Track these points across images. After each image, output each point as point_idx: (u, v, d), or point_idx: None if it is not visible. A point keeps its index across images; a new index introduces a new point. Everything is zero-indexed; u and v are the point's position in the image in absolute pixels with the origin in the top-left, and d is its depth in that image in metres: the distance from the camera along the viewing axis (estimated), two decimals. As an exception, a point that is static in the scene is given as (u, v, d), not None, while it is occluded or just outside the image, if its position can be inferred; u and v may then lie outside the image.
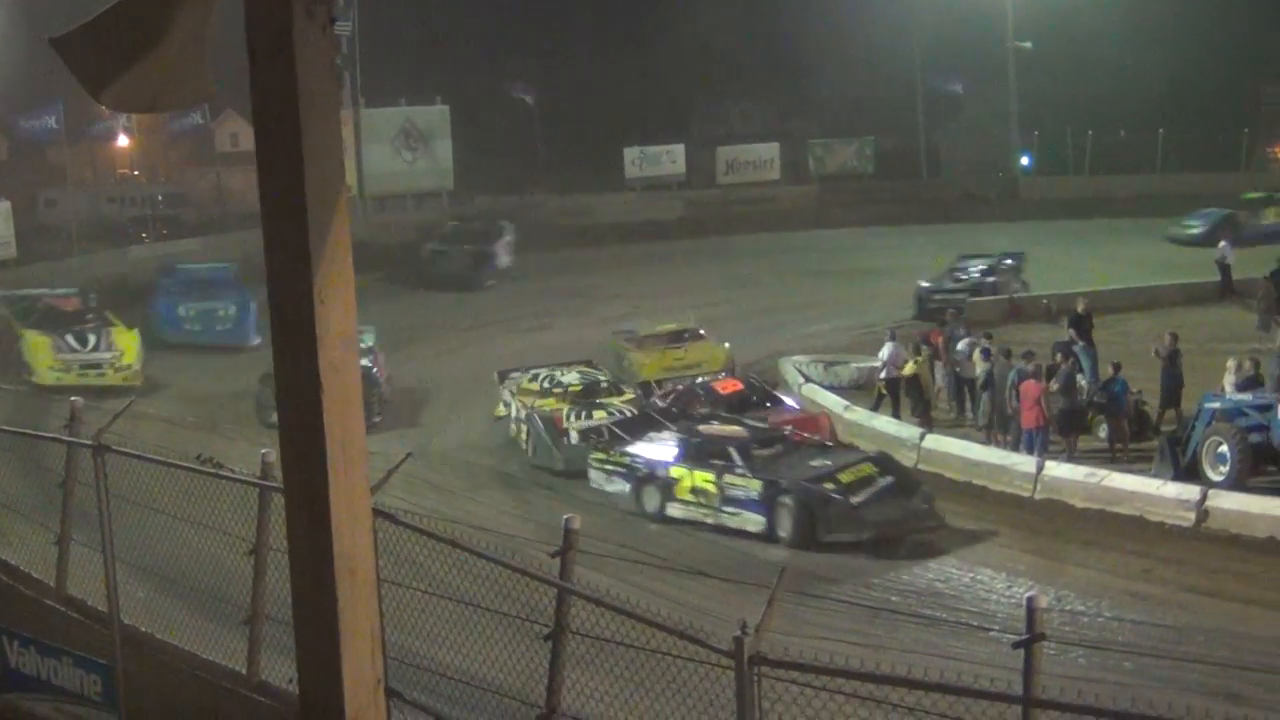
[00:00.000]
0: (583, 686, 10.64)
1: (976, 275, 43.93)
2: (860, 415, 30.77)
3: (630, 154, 69.42)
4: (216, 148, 70.75)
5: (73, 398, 15.45)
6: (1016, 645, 8.66)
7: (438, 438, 31.60)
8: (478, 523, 16.73)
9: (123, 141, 73.80)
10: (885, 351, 32.07)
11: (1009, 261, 45.14)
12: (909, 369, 31.32)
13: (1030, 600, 8.75)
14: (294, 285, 5.36)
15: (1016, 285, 43.75)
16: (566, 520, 10.55)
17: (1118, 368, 28.77)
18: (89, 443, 13.24)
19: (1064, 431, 28.33)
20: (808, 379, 34.28)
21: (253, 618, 12.31)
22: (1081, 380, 29.42)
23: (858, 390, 33.37)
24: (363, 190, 63.03)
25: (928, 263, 47.73)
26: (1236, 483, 25.12)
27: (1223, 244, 43.49)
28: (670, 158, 70.82)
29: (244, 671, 12.40)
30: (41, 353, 36.05)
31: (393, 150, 66.85)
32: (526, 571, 10.63)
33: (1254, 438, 25.69)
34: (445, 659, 11.90)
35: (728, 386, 31.91)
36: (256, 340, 40.17)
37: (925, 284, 43.44)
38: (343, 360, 5.40)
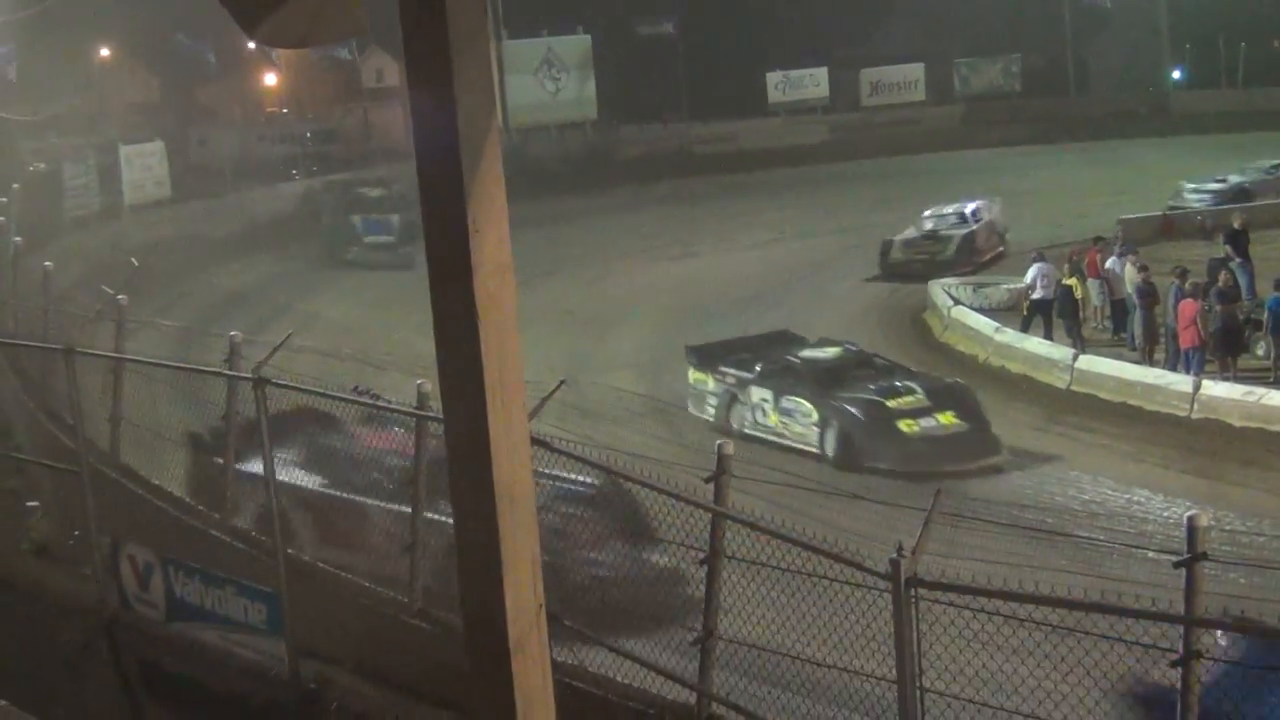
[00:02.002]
0: (739, 610, 10.69)
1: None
2: (1010, 337, 30.44)
3: (773, 78, 68.96)
4: (363, 83, 71.27)
5: (232, 332, 15.75)
6: (1178, 564, 8.54)
7: (586, 365, 31.74)
8: (629, 449, 16.79)
9: (270, 80, 74.64)
10: (1031, 273, 31.63)
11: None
12: (1072, 282, 30.79)
13: (1191, 519, 8.62)
14: (448, 216, 5.39)
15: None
16: (720, 445, 10.59)
17: (1279, 284, 28.09)
18: (249, 376, 13.48)
19: (1221, 350, 27.77)
20: (957, 301, 33.93)
21: (413, 545, 12.51)
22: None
23: (1008, 312, 32.99)
24: (508, 122, 63.09)
25: (1076, 182, 47.05)
26: (1400, 399, 24.56)
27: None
28: (813, 81, 70.17)
29: (406, 599, 12.61)
30: None
31: (536, 81, 66.85)
32: (681, 496, 10.67)
33: None
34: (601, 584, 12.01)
35: None
36: None
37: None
38: (499, 289, 5.42)
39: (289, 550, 13.19)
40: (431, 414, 12.06)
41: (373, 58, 71.68)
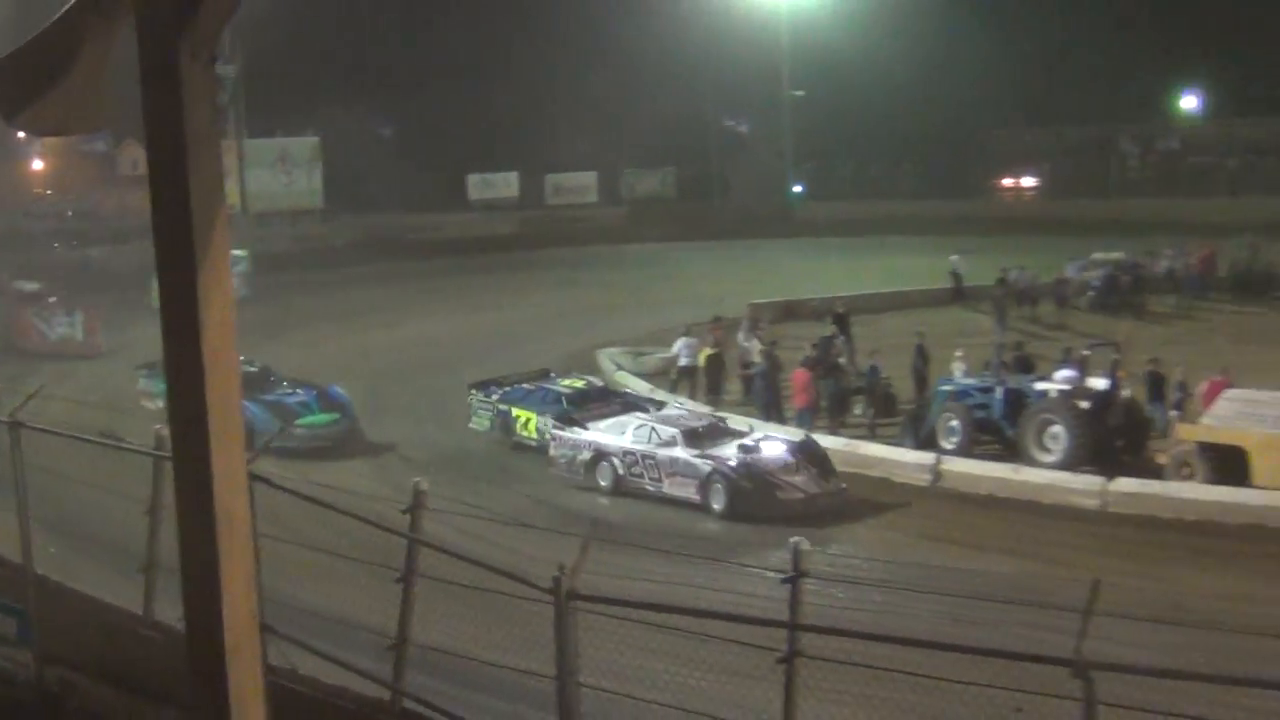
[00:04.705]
0: (430, 620, 10.63)
1: None
2: (662, 396, 30.93)
3: (473, 179, 69.49)
4: (119, 170, 69.25)
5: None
6: (784, 581, 8.82)
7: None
8: (340, 485, 16.57)
9: (37, 165, 72.09)
10: (677, 345, 32.41)
11: None
12: (703, 356, 31.59)
13: (795, 544, 8.93)
14: (180, 285, 5.30)
15: None
16: (416, 482, 10.55)
17: (872, 356, 29.46)
18: (5, 420, 12.88)
19: (833, 412, 28.84)
20: (619, 367, 34.41)
21: (148, 566, 12.10)
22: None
23: (660, 377, 33.57)
24: (246, 207, 62.18)
25: (717, 271, 48.39)
26: (963, 451, 25.84)
27: (954, 256, 44.58)
28: (506, 182, 70.99)
29: (140, 613, 12.19)
30: None
31: (271, 174, 66.16)
32: (382, 525, 10.60)
33: (978, 414, 26.47)
34: (315, 600, 11.82)
35: None
36: None
37: None
38: (222, 346, 5.35)
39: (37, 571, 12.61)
40: (167, 454, 11.70)
41: (129, 148, 69.74)
